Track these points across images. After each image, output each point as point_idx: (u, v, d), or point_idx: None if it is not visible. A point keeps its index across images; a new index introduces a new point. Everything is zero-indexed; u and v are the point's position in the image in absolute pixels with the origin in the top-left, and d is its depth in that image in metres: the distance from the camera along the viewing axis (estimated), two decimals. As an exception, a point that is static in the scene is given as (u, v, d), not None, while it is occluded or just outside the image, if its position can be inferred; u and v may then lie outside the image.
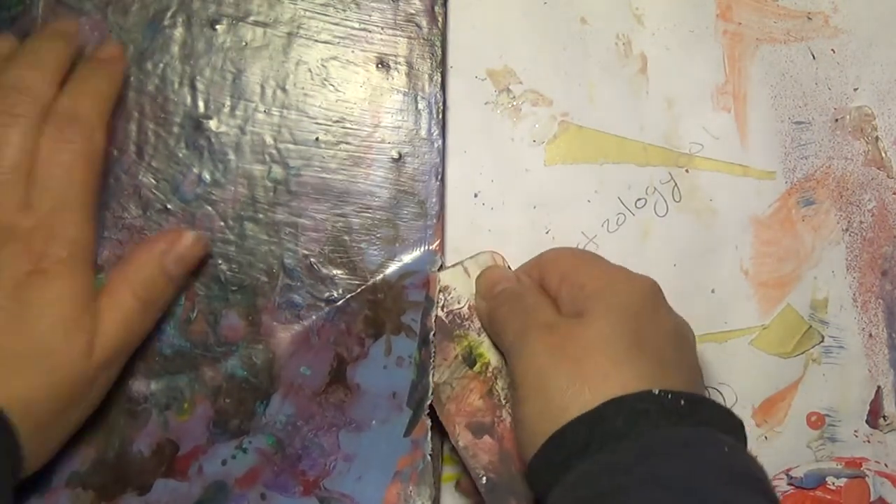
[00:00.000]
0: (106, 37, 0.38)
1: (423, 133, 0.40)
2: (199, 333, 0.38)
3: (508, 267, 0.39)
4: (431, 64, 0.40)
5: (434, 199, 0.39)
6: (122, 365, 0.36)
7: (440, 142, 0.40)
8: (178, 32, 0.39)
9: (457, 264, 0.39)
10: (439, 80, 0.40)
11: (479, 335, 0.38)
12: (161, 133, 0.39)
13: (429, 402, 0.36)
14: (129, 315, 0.34)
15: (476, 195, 0.40)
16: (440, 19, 0.40)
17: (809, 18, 0.43)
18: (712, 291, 0.41)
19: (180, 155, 0.39)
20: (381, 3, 0.40)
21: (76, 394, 0.33)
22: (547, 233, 0.40)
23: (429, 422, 0.36)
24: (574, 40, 0.41)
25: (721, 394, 0.41)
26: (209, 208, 0.38)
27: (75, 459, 0.37)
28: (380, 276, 0.38)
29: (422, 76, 0.40)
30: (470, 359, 0.38)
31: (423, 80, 0.40)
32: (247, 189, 0.39)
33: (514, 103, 0.41)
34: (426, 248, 0.39)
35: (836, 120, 0.43)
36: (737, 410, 0.41)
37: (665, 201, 0.41)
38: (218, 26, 0.39)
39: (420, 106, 0.40)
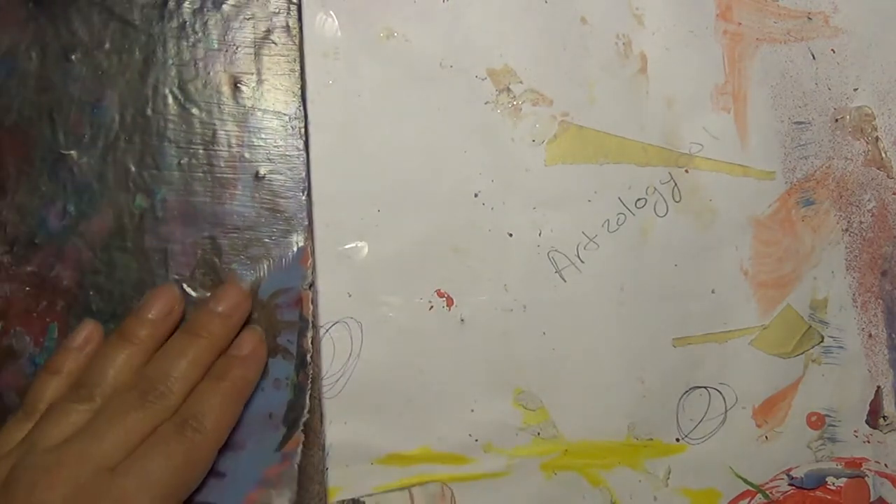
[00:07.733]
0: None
1: (286, 150, 0.40)
2: None
3: None
4: (290, 79, 0.40)
5: (302, 215, 0.39)
6: None
7: (304, 156, 0.40)
8: (33, 65, 0.39)
9: (403, 488, 0.38)
10: (299, 95, 0.40)
11: None
12: (23, 167, 0.38)
13: (304, 420, 0.37)
14: None
15: (476, 195, 0.40)
16: (295, 35, 0.40)
17: (809, 18, 0.43)
18: (712, 291, 0.41)
19: (43, 188, 0.38)
20: (237, 23, 0.40)
21: None
22: (542, 234, 0.40)
23: (303, 437, 0.37)
24: (574, 40, 0.41)
25: (721, 394, 0.41)
26: (77, 240, 0.38)
27: None
28: (252, 296, 0.38)
29: (281, 93, 0.40)
30: None
31: (282, 97, 0.40)
32: (113, 219, 0.39)
33: (514, 103, 0.41)
34: (296, 264, 0.39)
35: (836, 120, 0.43)
36: (737, 410, 0.41)
37: (665, 201, 0.41)
38: (73, 56, 0.39)
39: (281, 123, 0.40)
